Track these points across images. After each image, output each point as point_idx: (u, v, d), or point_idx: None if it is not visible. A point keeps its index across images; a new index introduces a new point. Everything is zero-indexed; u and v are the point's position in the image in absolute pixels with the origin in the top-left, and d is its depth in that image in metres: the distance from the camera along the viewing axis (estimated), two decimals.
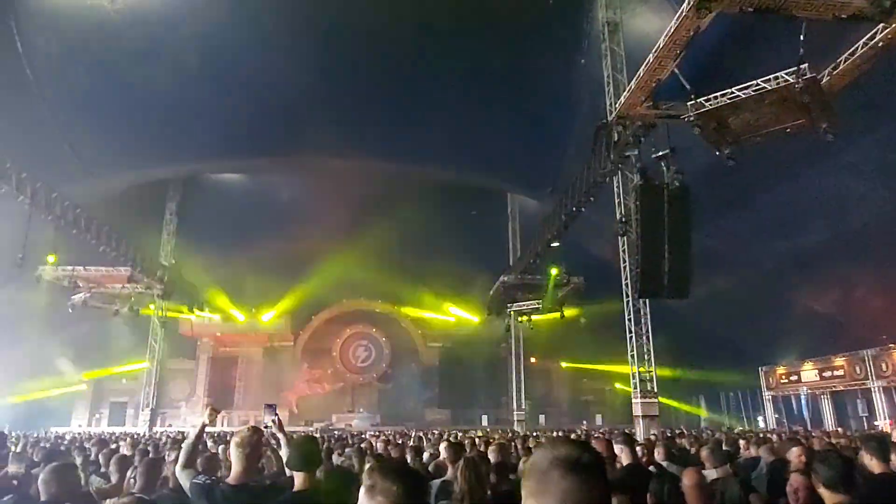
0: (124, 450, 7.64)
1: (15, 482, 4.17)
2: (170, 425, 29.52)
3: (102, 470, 5.48)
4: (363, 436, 14.97)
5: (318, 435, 15.38)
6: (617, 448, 4.92)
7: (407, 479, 1.55)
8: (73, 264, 21.30)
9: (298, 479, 2.96)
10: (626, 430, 11.61)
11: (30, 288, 20.85)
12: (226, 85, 18.76)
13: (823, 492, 3.04)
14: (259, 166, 26.84)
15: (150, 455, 6.46)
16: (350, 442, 11.32)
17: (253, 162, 25.87)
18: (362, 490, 1.54)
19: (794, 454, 4.91)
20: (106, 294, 23.37)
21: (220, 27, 17.16)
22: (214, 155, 23.99)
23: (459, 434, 15.35)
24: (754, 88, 9.77)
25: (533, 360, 32.63)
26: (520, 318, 26.90)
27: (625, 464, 4.81)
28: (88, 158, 20.55)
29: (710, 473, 4.53)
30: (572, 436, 13.37)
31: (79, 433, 20.62)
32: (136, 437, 15.74)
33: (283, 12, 16.77)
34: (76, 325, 25.45)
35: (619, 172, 14.51)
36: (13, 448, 8.37)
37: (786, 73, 9.37)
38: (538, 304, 24.17)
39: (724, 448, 6.28)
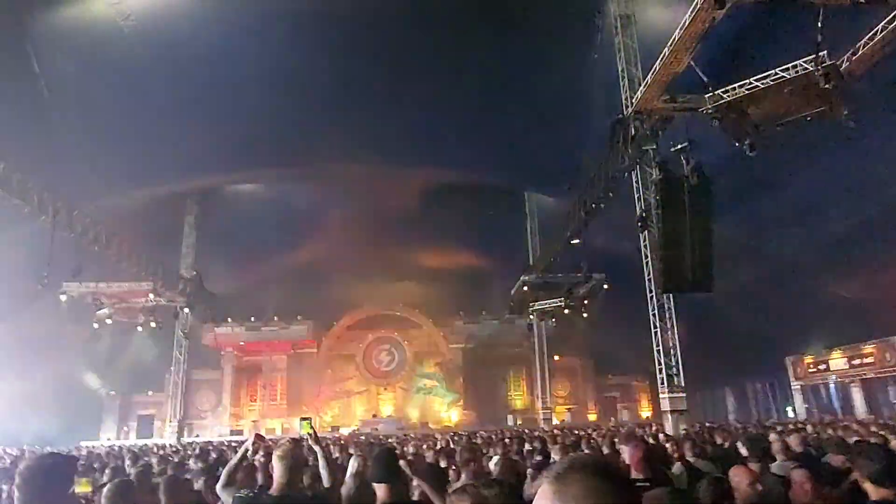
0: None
1: (83, 502, 4.17)
2: (197, 435, 29.85)
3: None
4: (391, 440, 14.94)
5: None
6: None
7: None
8: (96, 281, 21.59)
9: (381, 491, 2.94)
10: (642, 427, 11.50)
11: (55, 305, 21.17)
12: (240, 95, 18.90)
13: (868, 486, 2.96)
14: (276, 175, 27.02)
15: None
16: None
17: (270, 171, 26.07)
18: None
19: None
20: (129, 309, 23.69)
21: (232, 38, 17.29)
22: (231, 166, 24.22)
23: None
24: (773, 78, 9.63)
25: (557, 357, 32.49)
26: (542, 317, 26.82)
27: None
28: (107, 175, 20.82)
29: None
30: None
31: (112, 446, 20.88)
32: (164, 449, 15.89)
33: (295, 20, 16.85)
34: (102, 340, 25.81)
35: (638, 167, 14.38)
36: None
37: (805, 61, 9.22)
38: (560, 302, 24.04)
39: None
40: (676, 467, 5.28)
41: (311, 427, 3.97)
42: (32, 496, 2.26)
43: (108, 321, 22.86)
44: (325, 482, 3.48)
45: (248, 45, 17.46)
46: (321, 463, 3.53)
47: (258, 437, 3.52)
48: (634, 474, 3.93)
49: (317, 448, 3.62)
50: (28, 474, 2.31)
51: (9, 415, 26.76)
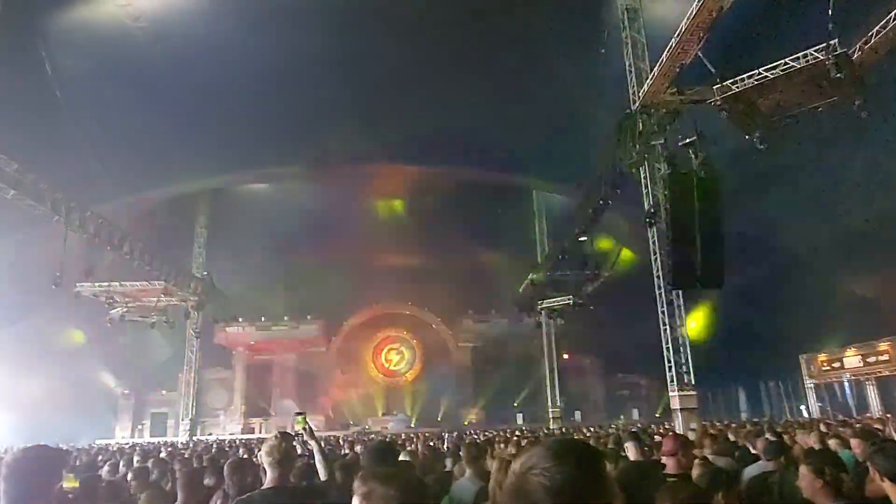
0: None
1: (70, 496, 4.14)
2: (209, 434, 30.04)
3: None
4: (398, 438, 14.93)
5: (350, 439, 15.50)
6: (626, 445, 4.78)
7: (404, 485, 1.52)
8: (109, 280, 21.77)
9: None
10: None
11: (69, 305, 21.36)
12: (250, 96, 18.99)
13: (887, 484, 2.91)
14: (286, 175, 27.14)
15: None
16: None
17: (280, 171, 26.21)
18: (356, 498, 1.52)
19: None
20: (142, 308, 23.86)
21: (242, 38, 17.41)
22: (240, 166, 24.38)
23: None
24: (783, 68, 9.51)
25: (566, 356, 32.35)
26: (550, 315, 26.67)
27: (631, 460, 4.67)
28: (119, 176, 21.02)
29: (767, 466, 4.40)
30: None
31: (126, 444, 21.08)
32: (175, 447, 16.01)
33: (304, 21, 16.91)
34: (115, 338, 26.05)
35: (646, 162, 14.25)
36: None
37: (815, 51, 9.09)
38: (569, 300, 23.88)
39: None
40: (695, 463, 5.29)
41: (306, 422, 3.94)
42: (17, 489, 2.23)
43: (122, 320, 23.04)
44: (322, 475, 3.46)
45: (258, 45, 17.56)
46: (317, 457, 3.51)
47: (284, 434, 3.36)
48: (668, 469, 3.87)
49: (312, 442, 3.60)
50: (14, 466, 2.28)
51: (27, 414, 27.14)
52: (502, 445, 8.06)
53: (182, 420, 26.49)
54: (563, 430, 22.26)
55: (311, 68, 18.34)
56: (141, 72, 17.78)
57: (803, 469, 3.46)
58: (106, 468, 6.23)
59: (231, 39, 17.44)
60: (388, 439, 13.69)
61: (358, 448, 9.43)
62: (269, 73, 18.41)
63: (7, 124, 14.86)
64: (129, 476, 5.49)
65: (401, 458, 5.04)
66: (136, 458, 8.74)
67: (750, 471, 4.62)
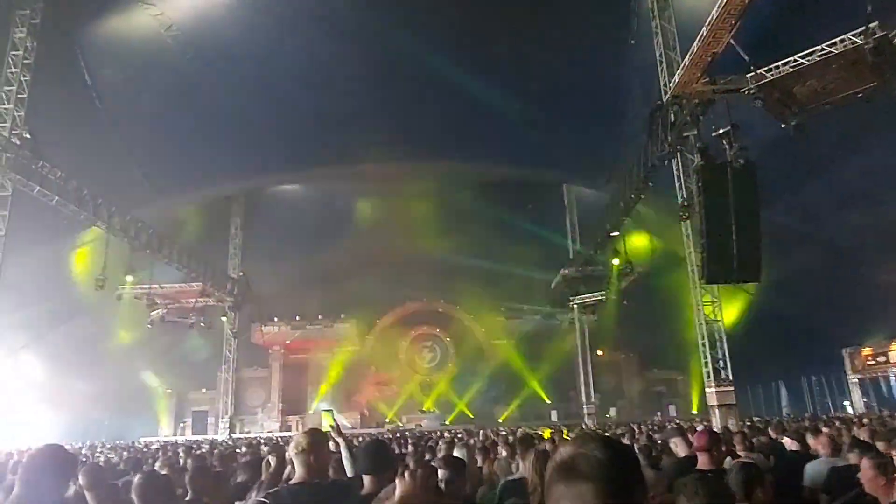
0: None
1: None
2: (248, 431, 30.69)
3: None
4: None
5: (388, 436, 15.63)
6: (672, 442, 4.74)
7: None
8: (150, 282, 22.41)
9: (367, 482, 2.97)
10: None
11: (112, 307, 22.05)
12: (282, 97, 19.26)
13: None
14: (318, 176, 27.43)
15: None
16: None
17: (312, 172, 26.49)
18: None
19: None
20: (181, 309, 24.52)
21: (272, 41, 17.67)
22: (275, 168, 24.76)
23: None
24: (819, 54, 9.23)
25: (600, 352, 32.02)
26: (583, 311, 26.46)
27: (680, 456, 4.61)
28: (158, 181, 21.61)
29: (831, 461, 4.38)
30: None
31: (175, 440, 21.68)
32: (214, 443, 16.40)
33: (334, 20, 17.06)
34: (157, 340, 26.79)
35: (679, 154, 14.00)
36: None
37: (853, 35, 8.80)
38: (602, 295, 23.65)
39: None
40: (726, 462, 5.24)
41: (334, 419, 4.01)
42: (31, 489, 2.26)
43: (162, 321, 23.72)
44: (349, 472, 3.50)
45: (288, 48, 17.81)
46: (344, 454, 3.55)
47: (314, 430, 3.33)
48: (700, 464, 3.84)
49: (340, 439, 3.65)
50: (29, 467, 2.32)
51: (78, 413, 28.17)
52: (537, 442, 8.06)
53: (222, 418, 27.11)
54: (598, 427, 22.07)
55: (342, 69, 18.50)
56: (174, 78, 18.21)
57: (865, 463, 3.40)
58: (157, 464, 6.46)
59: (260, 44, 17.74)
60: (387, 437, 13.69)
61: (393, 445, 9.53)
62: (300, 76, 18.64)
63: (50, 134, 15.46)
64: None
65: (455, 453, 5.15)
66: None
67: (814, 466, 4.53)
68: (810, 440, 5.69)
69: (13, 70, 14.92)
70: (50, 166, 14.96)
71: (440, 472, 3.29)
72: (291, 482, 2.95)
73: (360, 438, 12.35)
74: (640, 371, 36.77)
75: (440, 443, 7.86)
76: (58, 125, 16.73)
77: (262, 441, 16.94)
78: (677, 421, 20.50)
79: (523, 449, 4.43)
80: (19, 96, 14.83)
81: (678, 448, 4.64)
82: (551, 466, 1.07)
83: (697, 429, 7.03)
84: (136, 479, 3.26)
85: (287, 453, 3.15)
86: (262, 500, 2.80)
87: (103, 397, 28.57)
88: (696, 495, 1.97)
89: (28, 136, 14.57)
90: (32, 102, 15.05)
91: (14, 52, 14.97)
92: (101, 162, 18.64)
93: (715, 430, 5.42)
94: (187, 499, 3.69)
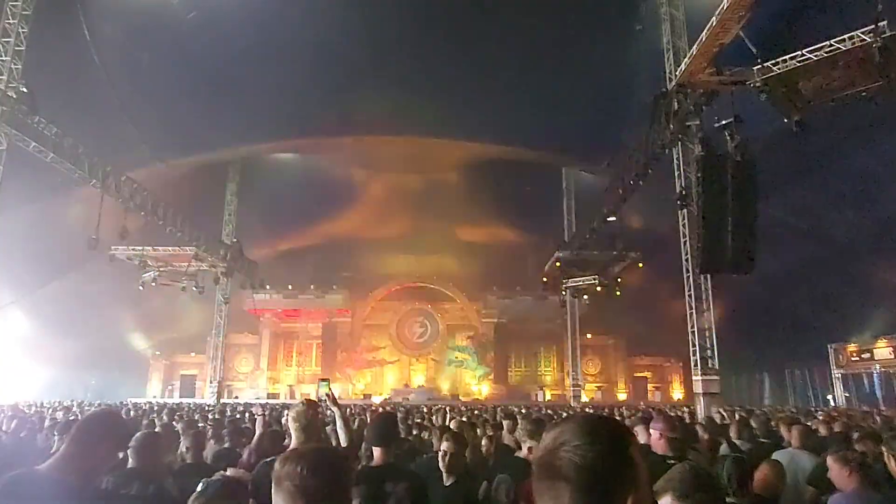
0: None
1: None
2: (236, 397, 30.94)
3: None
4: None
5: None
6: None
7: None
8: (143, 244, 22.29)
9: (377, 453, 3.11)
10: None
11: (103, 267, 21.94)
12: (281, 64, 18.97)
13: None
14: (315, 145, 27.19)
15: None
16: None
17: (308, 141, 26.25)
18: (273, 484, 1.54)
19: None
20: (173, 272, 24.42)
21: (272, 6, 17.39)
22: (270, 135, 24.50)
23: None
24: (827, 50, 9.19)
25: (588, 336, 32.34)
26: (575, 294, 26.60)
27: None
28: (154, 142, 21.37)
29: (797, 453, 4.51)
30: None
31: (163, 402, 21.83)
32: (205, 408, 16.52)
33: None
34: (147, 301, 26.76)
35: (680, 143, 13.99)
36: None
37: (862, 32, 8.76)
38: (594, 279, 23.75)
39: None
40: (723, 448, 5.35)
41: (330, 389, 4.08)
42: (84, 452, 2.14)
43: (154, 284, 23.63)
44: (343, 441, 3.56)
45: (290, 14, 17.49)
46: (339, 423, 3.61)
47: (310, 401, 3.41)
48: (661, 451, 3.89)
49: (335, 409, 3.71)
50: (84, 428, 2.22)
51: (64, 370, 28.23)
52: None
53: (210, 383, 27.26)
54: (584, 408, 22.38)
55: (342, 38, 18.23)
56: (175, 39, 17.87)
57: (830, 460, 3.46)
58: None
59: (262, 8, 17.44)
60: (395, 410, 13.88)
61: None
62: (301, 42, 18.35)
63: (47, 88, 15.16)
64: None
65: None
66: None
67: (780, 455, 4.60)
68: (783, 431, 5.83)
69: (10, 21, 14.52)
70: (46, 122, 14.72)
71: (444, 445, 3.42)
72: (288, 450, 3.00)
73: (348, 409, 12.47)
74: (626, 356, 37.24)
75: (436, 416, 7.95)
76: (55, 81, 16.42)
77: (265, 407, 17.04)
78: (660, 407, 20.80)
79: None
80: (17, 49, 14.47)
81: (640, 437, 4.68)
82: (535, 460, 1.05)
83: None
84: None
85: (283, 420, 3.24)
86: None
87: (91, 357, 28.63)
88: (686, 498, 1.95)
89: (25, 90, 14.29)
90: (30, 56, 14.72)
91: (13, 3, 14.55)
92: (97, 121, 18.36)
93: (671, 415, 5.56)
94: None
